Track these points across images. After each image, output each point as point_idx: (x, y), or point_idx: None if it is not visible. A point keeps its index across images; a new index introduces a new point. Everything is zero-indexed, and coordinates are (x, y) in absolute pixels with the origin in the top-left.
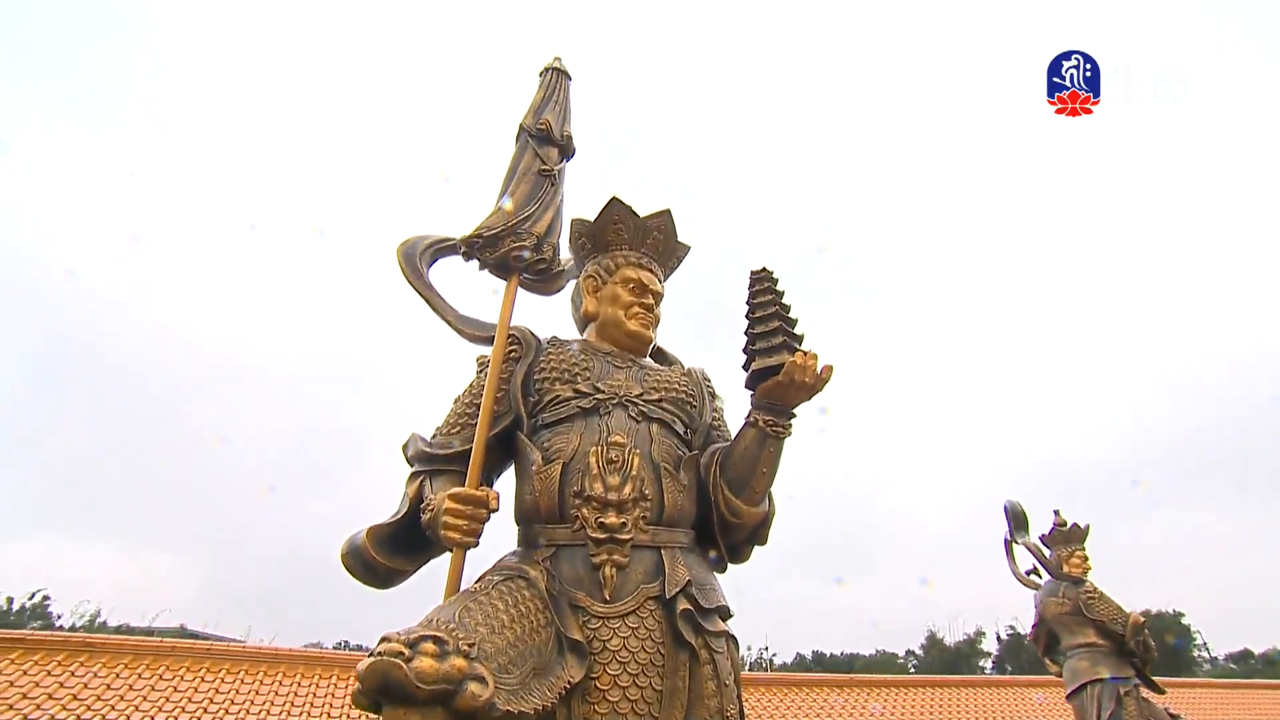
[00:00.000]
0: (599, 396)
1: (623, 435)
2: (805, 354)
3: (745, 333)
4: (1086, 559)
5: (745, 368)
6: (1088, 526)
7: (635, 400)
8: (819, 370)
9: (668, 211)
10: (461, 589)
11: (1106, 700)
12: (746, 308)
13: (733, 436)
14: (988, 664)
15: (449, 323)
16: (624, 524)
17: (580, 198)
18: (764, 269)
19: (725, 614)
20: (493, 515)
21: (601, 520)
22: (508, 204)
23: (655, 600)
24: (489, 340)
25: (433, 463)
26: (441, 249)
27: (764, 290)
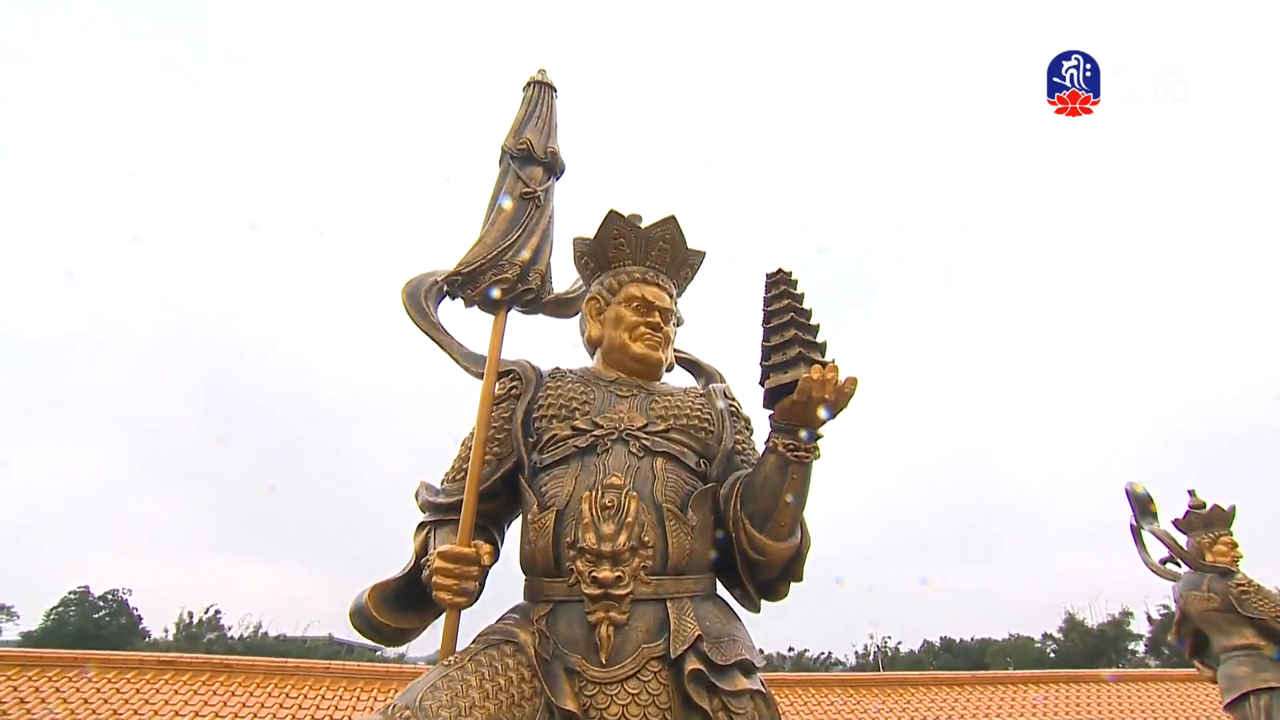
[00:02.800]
0: (596, 433)
1: (620, 476)
2: (824, 366)
3: (760, 345)
4: (1235, 545)
5: (761, 384)
6: (1233, 508)
7: (637, 433)
8: (840, 384)
9: (672, 218)
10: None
11: (1278, 712)
12: (761, 316)
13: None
14: (1139, 647)
15: (456, 360)
16: (619, 577)
17: (591, 208)
18: (780, 270)
19: (749, 668)
20: (488, 570)
21: (595, 574)
22: (488, 234)
23: (660, 660)
24: (496, 377)
25: (438, 512)
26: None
27: (779, 295)
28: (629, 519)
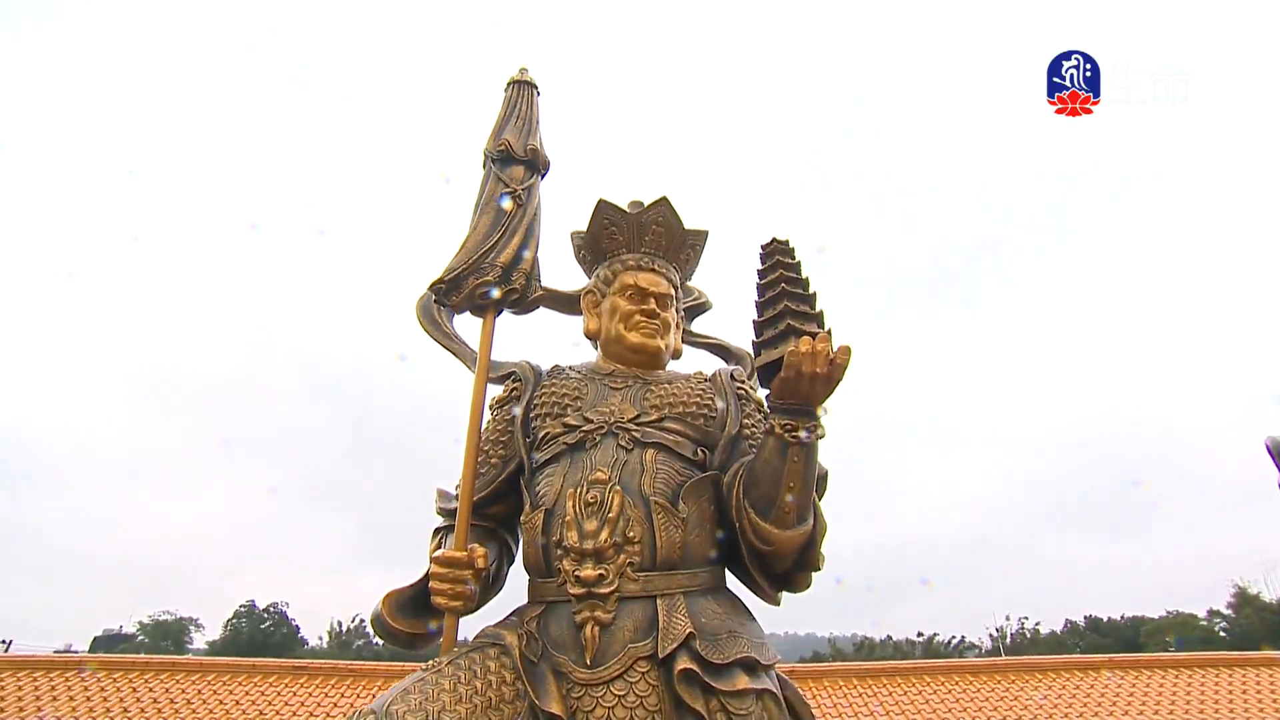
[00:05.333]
0: (586, 428)
1: (605, 470)
2: (814, 338)
3: (753, 321)
4: None
5: (754, 362)
6: None
7: (627, 425)
8: (832, 355)
9: (664, 200)
10: None
11: None
12: (756, 290)
13: None
14: None
15: (469, 367)
16: (602, 575)
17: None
18: (774, 240)
19: (754, 667)
20: (486, 573)
21: (578, 573)
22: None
23: (648, 660)
24: (500, 380)
25: (451, 517)
26: None
27: (772, 266)
28: (611, 514)
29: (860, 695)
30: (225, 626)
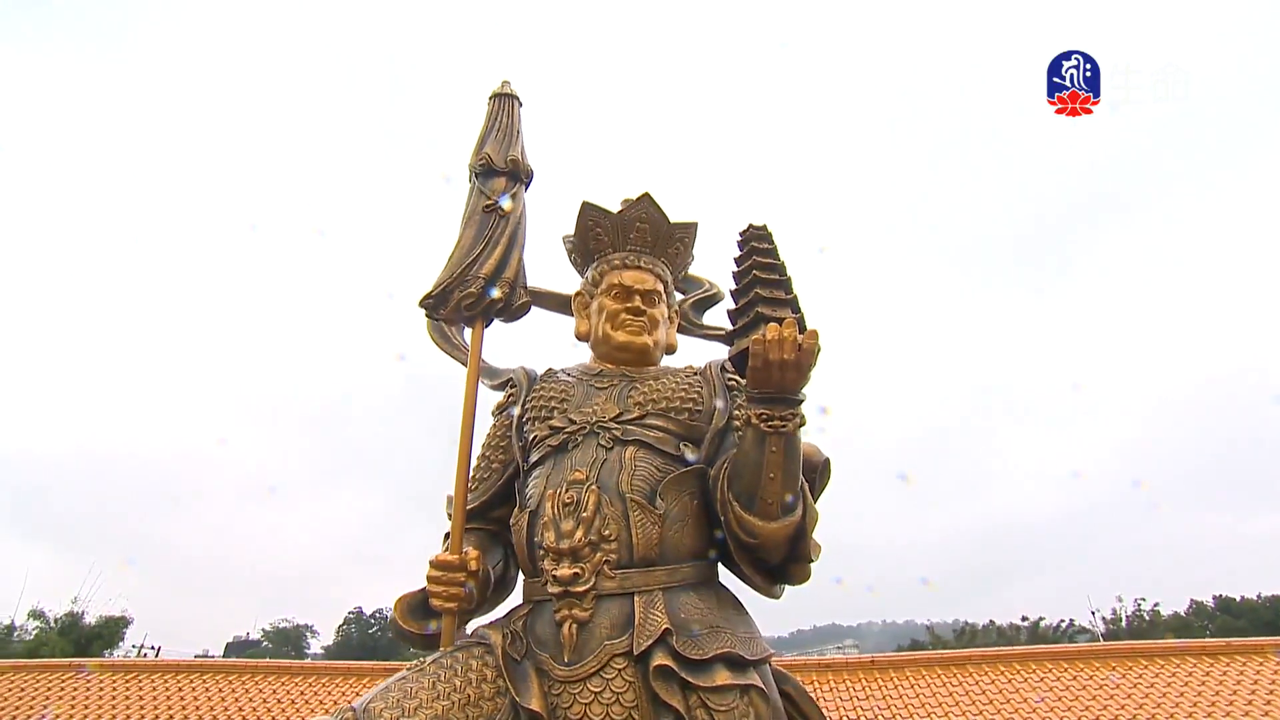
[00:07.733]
0: (569, 429)
1: (584, 470)
2: (781, 324)
3: (727, 311)
4: None
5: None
6: None
7: (608, 424)
8: (799, 340)
9: (646, 196)
10: None
11: None
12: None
13: None
14: None
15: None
16: (577, 574)
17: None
18: (750, 226)
19: (736, 662)
20: (481, 574)
21: (555, 573)
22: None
23: (625, 657)
24: (500, 386)
25: None
26: None
27: (746, 254)
28: (586, 514)
29: (944, 684)
30: (337, 632)
